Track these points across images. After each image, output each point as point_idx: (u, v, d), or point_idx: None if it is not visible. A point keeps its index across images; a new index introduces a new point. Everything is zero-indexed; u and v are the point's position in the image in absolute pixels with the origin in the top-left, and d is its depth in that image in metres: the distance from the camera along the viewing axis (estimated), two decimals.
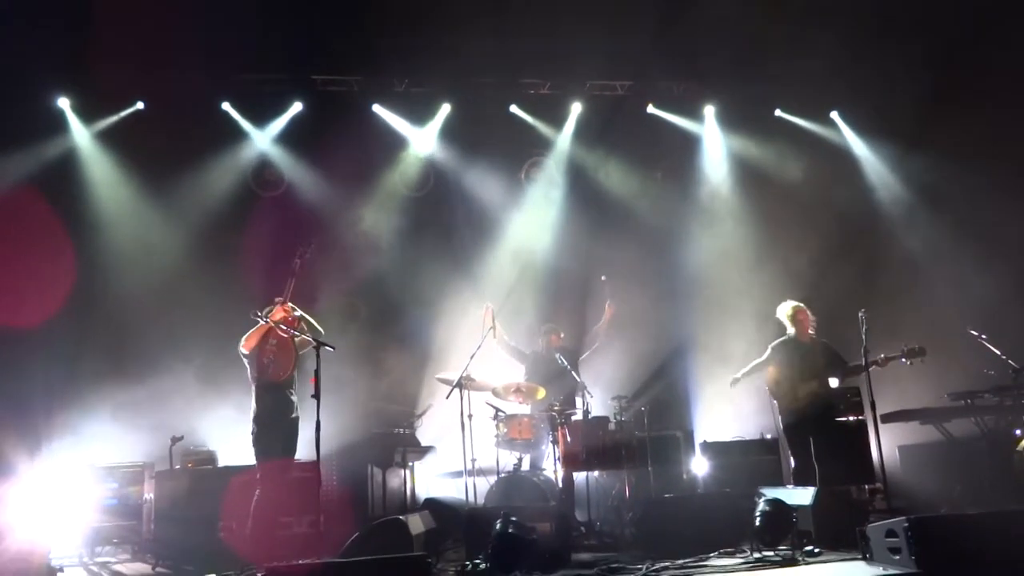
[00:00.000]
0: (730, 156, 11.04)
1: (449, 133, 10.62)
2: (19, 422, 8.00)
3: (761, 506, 6.11)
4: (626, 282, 9.88)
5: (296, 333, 6.51)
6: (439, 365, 9.16)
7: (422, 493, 8.92)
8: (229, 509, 7.12)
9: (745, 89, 10.70)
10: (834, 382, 7.93)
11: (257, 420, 6.48)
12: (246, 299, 7.03)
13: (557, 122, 10.86)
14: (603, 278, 9.09)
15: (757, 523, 6.01)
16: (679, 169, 11.15)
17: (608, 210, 10.75)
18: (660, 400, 9.49)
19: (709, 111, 11.02)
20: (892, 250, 10.37)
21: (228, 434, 8.15)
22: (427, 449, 9.13)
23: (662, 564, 5.75)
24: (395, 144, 10.57)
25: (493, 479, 7.80)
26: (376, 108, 10.47)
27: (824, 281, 9.20)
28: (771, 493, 6.55)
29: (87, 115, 9.71)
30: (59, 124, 9.60)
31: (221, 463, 8.18)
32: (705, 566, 5.75)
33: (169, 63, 9.32)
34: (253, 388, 6.57)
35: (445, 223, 10.55)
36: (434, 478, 9.29)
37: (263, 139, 10.23)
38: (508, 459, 8.15)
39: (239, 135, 10.17)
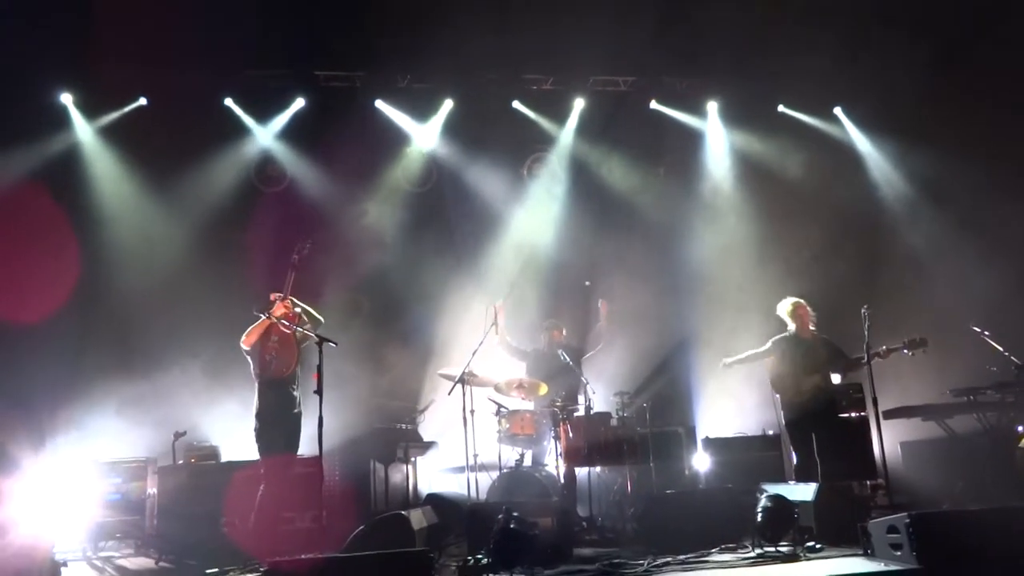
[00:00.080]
0: (733, 152, 11.03)
1: (451, 129, 10.61)
2: (23, 417, 8.02)
3: (763, 502, 6.11)
4: (628, 278, 9.90)
5: (298, 328, 6.53)
6: (441, 361, 9.16)
7: (424, 488, 8.94)
8: (232, 504, 7.15)
9: (748, 85, 10.70)
10: (836, 378, 7.92)
11: (259, 416, 6.50)
12: (249, 294, 7.04)
13: (560, 118, 10.85)
14: (587, 283, 9.09)
15: (759, 519, 6.02)
16: (682, 165, 11.13)
17: (610, 206, 10.75)
18: (662, 396, 9.50)
19: (712, 107, 11.00)
20: (895, 246, 10.35)
21: (231, 430, 8.17)
22: (429, 445, 9.15)
23: (663, 559, 5.76)
24: (397, 140, 10.58)
25: (495, 475, 7.81)
26: (379, 104, 10.47)
27: (826, 277, 9.18)
28: (773, 489, 6.56)
29: (90, 111, 9.73)
30: (62, 120, 9.62)
31: (224, 459, 8.21)
32: (706, 562, 5.75)
33: (171, 59, 9.32)
34: (256, 384, 6.59)
35: (447, 219, 10.55)
36: (436, 473, 9.30)
37: (266, 135, 10.25)
38: (510, 455, 8.15)
39: (242, 131, 10.18)
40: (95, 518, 7.54)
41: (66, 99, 9.61)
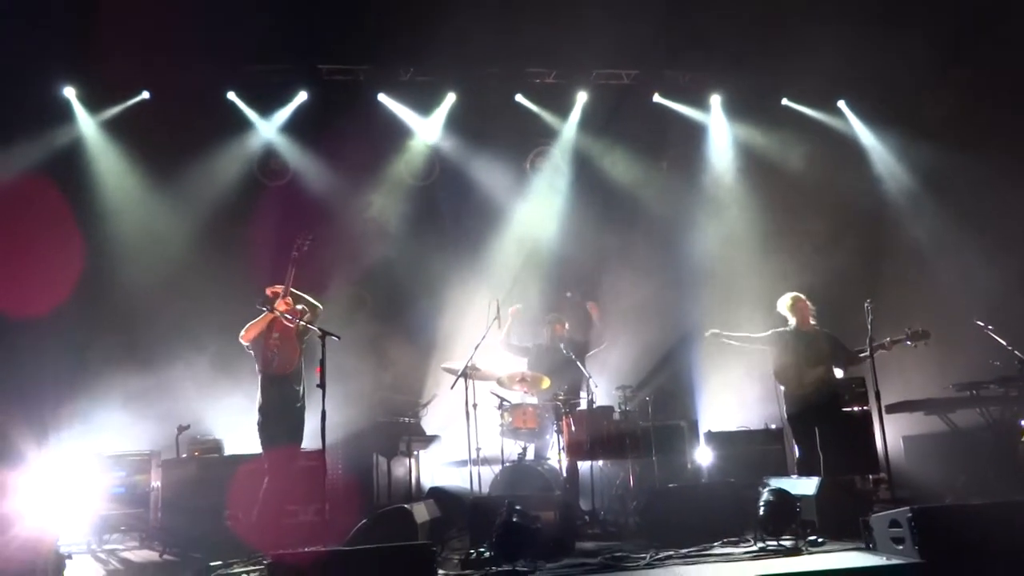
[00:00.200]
0: (736, 145, 11.01)
1: (455, 122, 10.60)
2: (27, 411, 8.02)
3: (765, 496, 6.12)
4: (631, 272, 9.91)
5: (300, 322, 6.53)
6: (444, 354, 9.18)
7: (427, 482, 8.96)
8: (236, 497, 7.17)
9: (751, 78, 10.67)
10: (838, 372, 7.92)
11: (262, 411, 6.52)
12: (252, 288, 7.05)
13: (563, 111, 10.84)
14: (568, 294, 9.08)
15: (761, 513, 6.03)
16: (685, 158, 11.10)
17: (613, 200, 10.73)
18: (665, 390, 9.52)
19: (715, 100, 10.97)
20: (898, 239, 10.34)
21: (234, 423, 8.19)
22: (432, 438, 9.16)
23: (666, 553, 5.76)
24: (400, 133, 10.57)
25: (498, 468, 7.82)
26: (381, 97, 10.46)
27: (829, 270, 9.17)
28: (775, 483, 6.56)
29: (93, 105, 9.74)
30: (65, 114, 9.63)
31: (227, 452, 8.24)
32: (709, 555, 5.76)
33: (174, 53, 9.34)
34: (259, 378, 6.61)
35: (450, 212, 10.55)
36: (439, 467, 9.32)
37: (269, 129, 10.26)
38: (513, 448, 8.16)
39: (245, 125, 10.19)
40: (99, 511, 7.56)
41: (69, 93, 9.62)
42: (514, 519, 5.60)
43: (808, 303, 7.89)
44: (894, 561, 5.18)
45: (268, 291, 6.68)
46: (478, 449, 7.76)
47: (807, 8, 8.98)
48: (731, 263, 10.20)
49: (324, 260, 8.66)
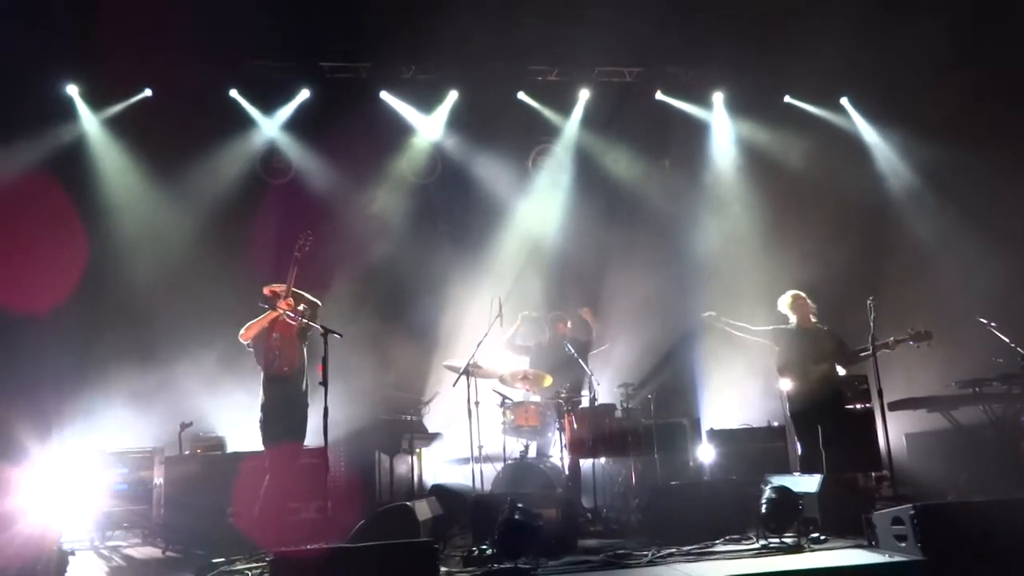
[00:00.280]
0: (739, 143, 11.00)
1: (457, 120, 10.60)
2: (31, 408, 8.06)
3: (767, 493, 6.12)
4: (633, 269, 9.91)
5: (303, 320, 6.54)
6: (446, 352, 9.19)
7: (429, 479, 8.96)
8: (238, 495, 7.18)
9: (754, 75, 10.65)
10: (841, 370, 7.90)
11: (264, 409, 6.53)
12: (254, 286, 7.05)
13: (565, 109, 10.83)
14: (555, 313, 9.06)
15: (763, 510, 6.03)
16: (687, 156, 11.09)
17: (616, 197, 10.73)
18: (667, 388, 9.51)
19: (718, 98, 10.96)
20: (901, 237, 10.32)
21: (237, 420, 8.19)
22: (434, 436, 9.16)
23: (668, 551, 5.76)
24: (402, 131, 10.57)
25: (500, 466, 7.82)
26: (383, 95, 10.46)
27: (832, 268, 9.16)
28: (777, 480, 6.57)
29: (96, 102, 9.75)
30: (68, 111, 9.64)
31: (230, 449, 8.24)
32: (711, 553, 5.76)
33: (176, 50, 9.34)
34: (261, 377, 6.61)
35: (452, 210, 10.55)
36: (441, 465, 9.32)
37: (271, 126, 10.25)
38: (515, 446, 8.17)
39: (247, 122, 10.19)
40: (102, 508, 7.58)
41: (72, 91, 9.63)
42: (516, 517, 5.60)
43: (808, 301, 7.88)
44: (896, 558, 5.19)
45: (266, 290, 6.68)
46: (480, 447, 7.77)
47: (809, 5, 8.97)
48: (733, 260, 10.19)
49: (326, 258, 8.65)
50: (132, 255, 9.37)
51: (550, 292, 10.08)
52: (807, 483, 6.60)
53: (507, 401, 8.12)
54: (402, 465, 8.71)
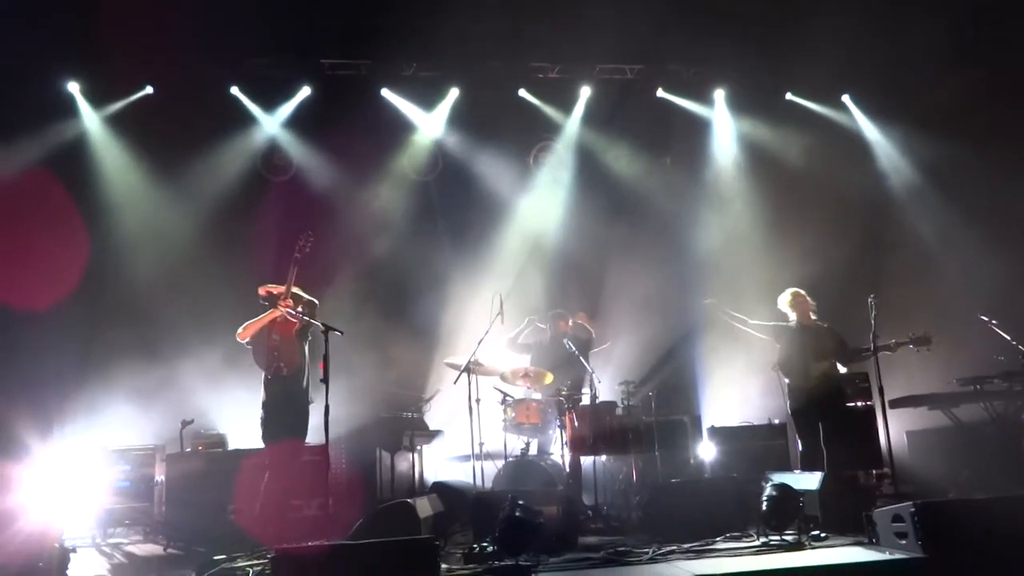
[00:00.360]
0: (740, 140, 10.99)
1: (458, 117, 10.59)
2: (32, 405, 8.07)
3: (768, 491, 6.13)
4: (635, 267, 9.91)
5: (304, 317, 6.54)
6: (447, 350, 9.20)
7: (430, 477, 8.95)
8: (240, 492, 7.19)
9: (755, 73, 10.63)
10: (841, 368, 7.90)
11: (265, 407, 6.54)
12: (255, 283, 7.05)
13: (566, 106, 10.82)
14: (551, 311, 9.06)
15: (764, 508, 6.04)
16: (689, 153, 11.08)
17: (617, 195, 10.72)
18: (667, 385, 9.52)
19: (719, 95, 10.95)
20: (902, 234, 10.31)
21: (238, 417, 8.20)
22: (435, 433, 9.17)
23: (668, 548, 5.77)
24: (403, 128, 10.56)
25: (501, 463, 7.83)
26: (384, 92, 10.45)
27: (833, 265, 9.16)
28: (778, 478, 6.58)
29: (97, 100, 9.75)
30: (69, 108, 9.64)
31: (231, 446, 8.26)
32: (711, 550, 5.77)
33: (177, 48, 9.33)
34: (263, 375, 6.61)
35: (453, 208, 10.54)
36: (442, 462, 9.33)
37: (272, 124, 10.25)
38: (516, 443, 8.18)
39: (248, 120, 10.18)
40: (104, 505, 7.59)
41: (73, 88, 9.64)
42: (517, 514, 5.61)
43: (808, 298, 7.88)
44: (897, 556, 5.19)
45: (261, 291, 6.67)
46: (481, 444, 7.78)
47: (810, 3, 8.96)
48: (734, 258, 10.19)
49: (327, 255, 8.66)
50: (133, 252, 9.38)
51: (551, 289, 10.08)
52: (808, 481, 6.61)
53: (508, 398, 8.13)
54: (403, 462, 8.72)
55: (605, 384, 8.54)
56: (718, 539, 6.00)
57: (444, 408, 9.18)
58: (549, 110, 10.80)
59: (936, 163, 10.18)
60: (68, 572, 5.46)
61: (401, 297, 10.01)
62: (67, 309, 8.75)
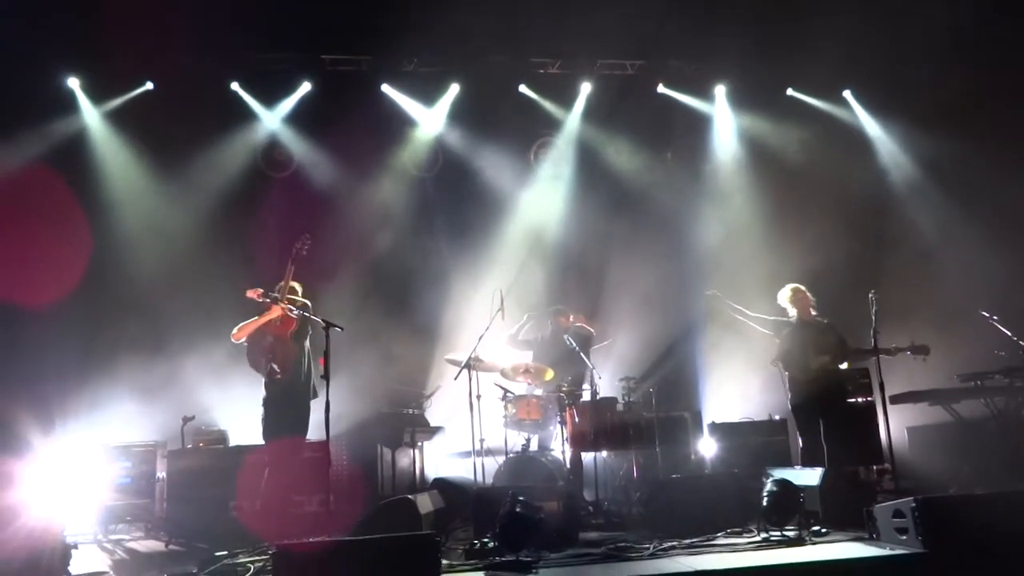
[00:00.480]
0: (741, 136, 10.98)
1: (458, 113, 10.58)
2: (33, 401, 8.06)
3: (768, 486, 6.13)
4: (635, 263, 9.90)
5: (302, 313, 6.55)
6: (448, 346, 9.20)
7: (431, 473, 8.97)
8: (241, 488, 7.20)
9: (757, 68, 10.60)
10: (841, 365, 7.90)
11: (266, 404, 6.55)
12: (255, 279, 7.06)
13: (567, 102, 10.81)
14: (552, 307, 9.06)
15: (764, 503, 6.05)
16: (689, 149, 11.08)
17: (617, 191, 10.71)
18: (668, 381, 9.53)
19: (720, 91, 10.93)
20: (903, 230, 10.31)
21: (239, 414, 8.21)
22: (436, 429, 9.18)
23: (669, 543, 5.77)
24: (404, 124, 10.56)
25: (501, 459, 7.83)
26: (385, 88, 10.44)
27: (834, 261, 9.16)
28: (778, 473, 6.58)
29: (97, 95, 9.75)
30: (69, 104, 9.64)
31: (232, 443, 8.27)
32: (712, 546, 5.76)
33: (178, 43, 9.34)
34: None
35: (454, 203, 10.54)
36: (443, 458, 9.34)
37: (272, 119, 10.25)
38: (516, 439, 8.18)
39: (248, 115, 10.18)
40: (105, 501, 7.59)
41: (73, 84, 9.64)
42: (518, 510, 5.61)
43: (808, 294, 7.88)
44: (898, 551, 5.19)
45: (250, 294, 6.65)
46: (482, 440, 7.79)
47: None
48: (735, 254, 10.19)
49: (328, 251, 8.66)
50: (134, 249, 9.39)
51: (552, 285, 10.09)
52: (808, 476, 6.61)
53: (509, 395, 8.13)
54: (404, 458, 8.73)
55: (606, 380, 8.53)
56: (719, 535, 6.00)
57: (445, 404, 9.19)
58: (550, 106, 10.79)
59: (937, 159, 10.16)
60: (70, 568, 5.47)
61: (402, 293, 10.01)
62: (68, 305, 8.75)
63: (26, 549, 5.24)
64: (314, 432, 6.79)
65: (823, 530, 5.93)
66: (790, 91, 10.90)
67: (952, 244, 9.76)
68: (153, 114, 9.65)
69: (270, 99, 10.23)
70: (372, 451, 8.40)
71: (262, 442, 6.64)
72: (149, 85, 9.82)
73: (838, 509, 6.23)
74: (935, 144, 10.06)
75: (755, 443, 8.48)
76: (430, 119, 10.58)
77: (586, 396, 8.03)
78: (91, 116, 9.74)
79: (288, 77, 10.19)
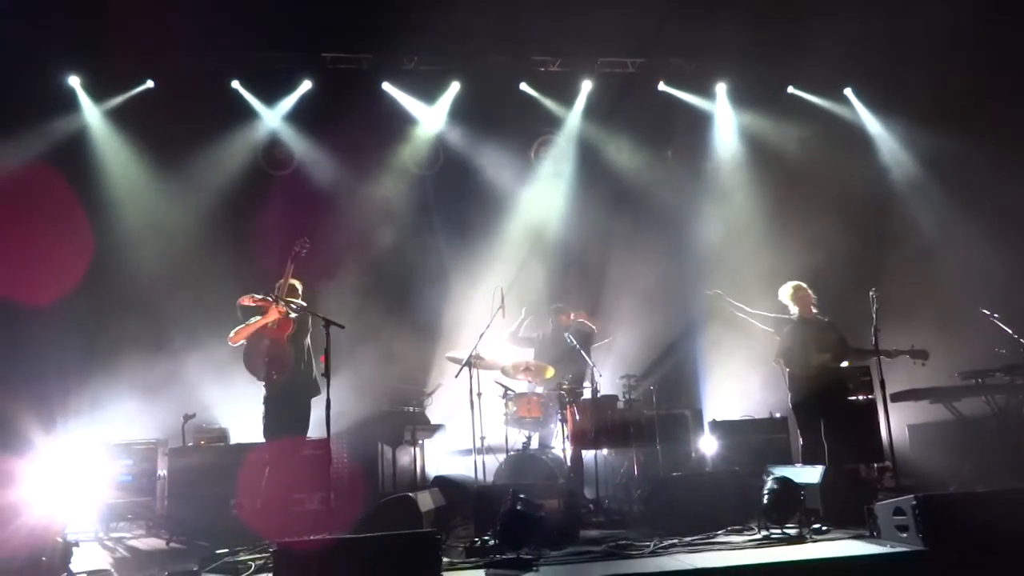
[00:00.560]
0: (742, 134, 10.97)
1: (459, 111, 10.58)
2: (35, 399, 8.08)
3: (769, 484, 6.14)
4: (636, 261, 9.90)
5: (303, 305, 6.55)
6: (449, 344, 9.20)
7: (432, 471, 8.98)
8: (242, 486, 7.21)
9: (757, 66, 10.59)
10: (842, 364, 7.90)
11: (266, 403, 6.55)
12: (256, 277, 7.06)
13: (567, 100, 10.80)
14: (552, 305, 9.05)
15: (765, 501, 6.05)
16: (690, 147, 11.07)
17: (618, 189, 10.71)
18: (669, 379, 9.52)
19: (721, 88, 10.92)
20: (904, 228, 10.30)
21: (240, 412, 8.21)
22: (437, 427, 9.18)
23: (670, 541, 5.77)
24: (405, 122, 10.55)
25: (502, 457, 7.84)
26: (385, 86, 10.44)
27: (835, 259, 9.15)
28: (779, 471, 6.58)
29: (98, 94, 9.76)
30: (70, 102, 9.64)
31: (233, 440, 8.28)
32: (713, 543, 5.77)
33: (178, 41, 9.34)
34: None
35: (455, 201, 10.53)
36: (443, 456, 9.35)
37: (273, 118, 10.25)
38: (517, 437, 8.19)
39: (249, 114, 10.19)
40: (106, 499, 7.60)
41: (74, 82, 9.64)
42: (518, 507, 5.62)
43: (810, 292, 7.88)
44: (898, 549, 5.19)
45: (244, 300, 6.65)
46: (482, 438, 7.79)
47: None
48: (736, 252, 10.18)
49: (329, 249, 8.66)
50: (135, 246, 9.40)
51: (553, 283, 10.09)
52: (809, 474, 6.61)
53: (509, 392, 8.14)
54: (405, 456, 8.73)
55: (606, 378, 8.54)
56: (719, 533, 6.01)
57: (446, 402, 9.20)
58: (550, 104, 10.78)
59: (938, 157, 10.15)
60: (71, 566, 5.47)
61: (403, 291, 10.02)
62: (69, 304, 8.76)
63: (27, 547, 5.24)
64: (315, 430, 6.79)
65: (824, 528, 5.93)
66: (791, 89, 10.89)
67: (953, 242, 9.75)
68: (154, 112, 9.65)
69: (271, 97, 10.23)
70: (373, 449, 8.41)
71: (263, 440, 6.64)
72: (150, 83, 9.82)
73: (839, 507, 6.23)
74: (936, 142, 10.06)
75: (756, 441, 8.47)
76: (431, 117, 10.58)
77: (587, 394, 8.03)
78: (92, 114, 9.75)
79: (289, 75, 10.18)
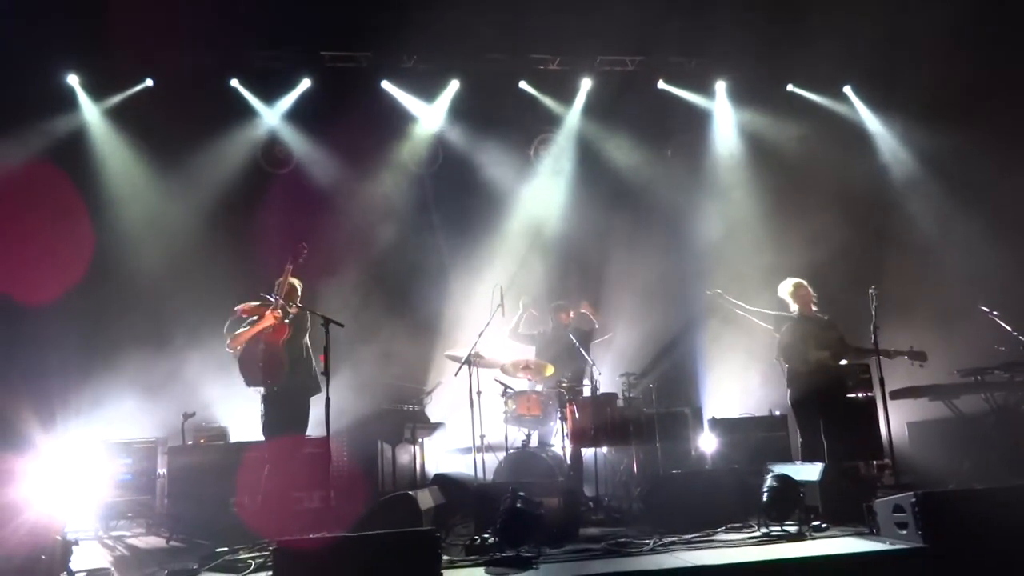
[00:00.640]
0: (741, 132, 10.97)
1: (458, 110, 10.58)
2: (35, 398, 8.09)
3: (768, 482, 6.14)
4: (635, 258, 9.90)
5: (302, 306, 6.55)
6: (448, 342, 9.20)
7: (431, 469, 8.99)
8: (242, 484, 7.21)
9: (757, 64, 10.60)
10: (841, 362, 7.90)
11: (266, 402, 6.55)
12: (255, 277, 7.06)
13: (567, 98, 10.80)
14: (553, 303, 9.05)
15: (764, 499, 6.04)
16: (689, 145, 11.07)
17: (618, 187, 10.70)
18: (669, 377, 9.52)
19: (720, 86, 10.93)
20: (903, 225, 10.31)
21: (239, 410, 8.22)
22: (436, 425, 9.19)
23: (669, 539, 5.77)
24: (404, 120, 10.55)
25: (502, 455, 7.84)
26: (385, 84, 10.44)
27: (834, 257, 9.16)
28: (779, 469, 6.57)
29: (97, 92, 9.76)
30: (69, 101, 9.64)
31: (232, 439, 8.28)
32: (712, 541, 5.77)
33: (177, 40, 9.33)
34: None
35: (454, 199, 10.53)
36: (443, 454, 9.35)
37: (272, 116, 10.25)
38: (517, 435, 8.19)
39: (248, 112, 10.19)
40: (106, 498, 7.61)
41: (73, 81, 9.64)
42: (518, 505, 5.62)
43: (810, 289, 7.87)
44: (898, 546, 5.19)
45: (240, 309, 6.65)
46: (482, 436, 7.80)
47: None
48: (735, 249, 10.18)
49: (329, 248, 8.65)
50: (135, 245, 9.41)
51: (552, 281, 10.09)
52: (808, 471, 6.60)
53: (509, 390, 8.14)
54: (404, 455, 8.74)
55: (606, 376, 8.54)
56: (719, 530, 6.01)
57: (445, 400, 9.19)
58: (550, 102, 10.78)
59: (937, 154, 10.16)
60: (70, 565, 5.47)
61: (402, 289, 10.01)
62: (70, 302, 8.76)
63: (27, 546, 5.24)
64: (314, 428, 6.79)
65: (823, 525, 5.93)
66: (790, 87, 10.90)
67: (952, 239, 9.76)
68: (153, 111, 9.65)
69: (270, 96, 10.24)
70: (372, 447, 8.41)
71: (262, 438, 6.64)
72: (149, 82, 9.82)
73: (838, 504, 6.23)
74: (935, 140, 10.07)
75: (755, 439, 8.48)
76: (430, 115, 10.58)
77: (586, 392, 8.03)
78: (91, 113, 9.75)
79: (288, 74, 10.19)
